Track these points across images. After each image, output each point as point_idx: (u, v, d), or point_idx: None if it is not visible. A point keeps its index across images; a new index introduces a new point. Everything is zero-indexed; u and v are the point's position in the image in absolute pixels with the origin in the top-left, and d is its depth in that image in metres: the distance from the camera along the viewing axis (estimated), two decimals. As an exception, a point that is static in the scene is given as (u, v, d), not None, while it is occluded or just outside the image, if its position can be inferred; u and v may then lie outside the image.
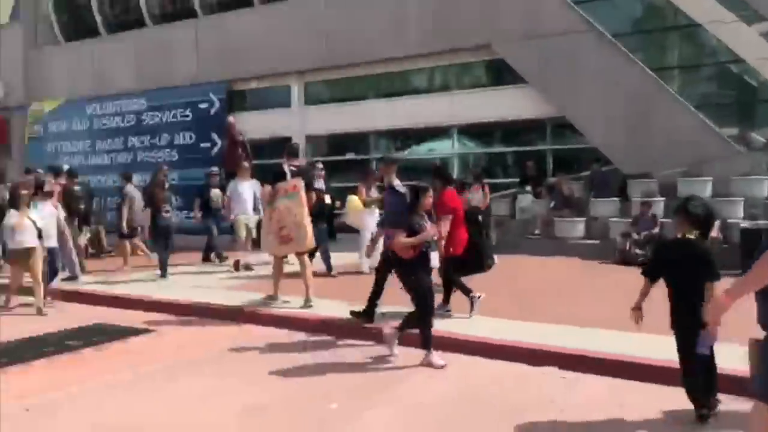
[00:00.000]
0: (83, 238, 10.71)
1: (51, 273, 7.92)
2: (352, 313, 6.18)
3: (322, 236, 8.46)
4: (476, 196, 10.15)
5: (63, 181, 10.09)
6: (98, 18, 17.29)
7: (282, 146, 8.09)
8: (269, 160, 11.37)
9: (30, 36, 17.87)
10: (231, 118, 13.36)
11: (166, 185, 9.77)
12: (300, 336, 6.14)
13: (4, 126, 17.96)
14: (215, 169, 11.42)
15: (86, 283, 8.90)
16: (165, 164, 12.21)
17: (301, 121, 14.47)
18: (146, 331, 6.51)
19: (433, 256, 5.27)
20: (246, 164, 10.15)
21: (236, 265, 9.52)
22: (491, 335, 5.52)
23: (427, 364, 4.99)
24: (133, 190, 10.20)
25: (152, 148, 15.88)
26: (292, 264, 7.53)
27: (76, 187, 10.36)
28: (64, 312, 7.50)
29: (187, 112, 15.34)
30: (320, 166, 9.93)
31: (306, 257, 7.19)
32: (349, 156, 14.40)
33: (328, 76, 14.33)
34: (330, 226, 10.10)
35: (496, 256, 6.61)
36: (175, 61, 15.46)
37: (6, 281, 7.85)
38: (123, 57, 16.32)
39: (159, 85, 15.62)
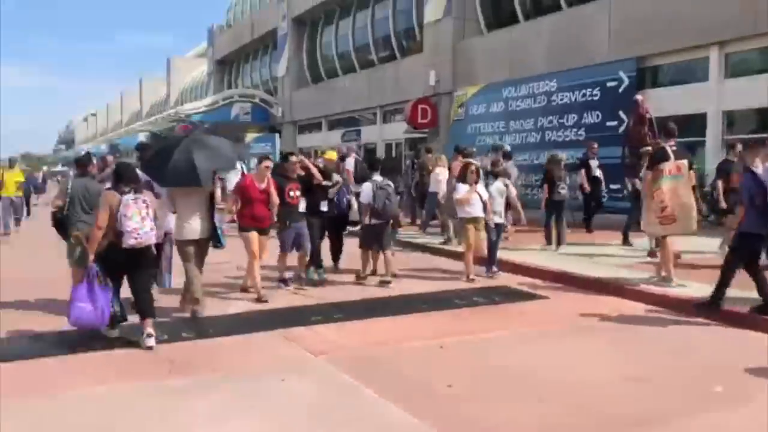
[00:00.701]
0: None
1: (490, 244, 8.86)
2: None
3: None
4: None
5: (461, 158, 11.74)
6: (517, 6, 18.70)
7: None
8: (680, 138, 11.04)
9: (458, 29, 20.28)
10: (639, 96, 13.19)
11: (563, 163, 10.49)
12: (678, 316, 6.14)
13: (434, 110, 20.86)
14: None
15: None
16: (594, 142, 13.60)
17: (718, 96, 13.46)
18: (540, 297, 7.25)
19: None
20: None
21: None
22: None
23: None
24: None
25: (560, 128, 16.65)
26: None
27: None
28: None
29: (596, 92, 15.63)
30: None
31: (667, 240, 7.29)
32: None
33: (754, 45, 12.98)
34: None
35: None
36: (586, 41, 15.86)
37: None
38: (537, 41, 17.40)
39: (569, 66, 16.24)
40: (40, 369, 5.00)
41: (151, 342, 5.48)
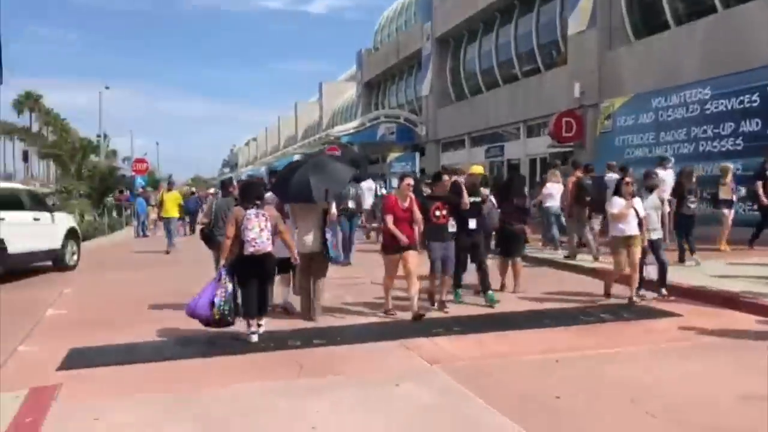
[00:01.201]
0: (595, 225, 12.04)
1: (659, 264, 8.39)
2: None
3: None
4: None
5: (579, 173, 12.07)
6: (668, 12, 17.98)
7: None
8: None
9: (604, 39, 19.83)
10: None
11: (694, 176, 10.25)
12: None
13: (580, 123, 20.48)
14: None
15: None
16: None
17: None
18: (673, 314, 7.08)
19: None
20: None
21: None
22: None
23: None
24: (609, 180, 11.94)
25: (715, 138, 15.75)
26: None
27: (588, 180, 12.05)
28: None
29: (755, 98, 14.66)
30: None
31: None
32: None
33: None
34: None
35: None
36: (744, 43, 14.95)
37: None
38: (689, 46, 16.63)
39: (725, 72, 15.37)
40: (187, 368, 5.77)
41: (254, 338, 6.50)
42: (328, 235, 7.51)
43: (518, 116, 24.75)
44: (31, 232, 11.84)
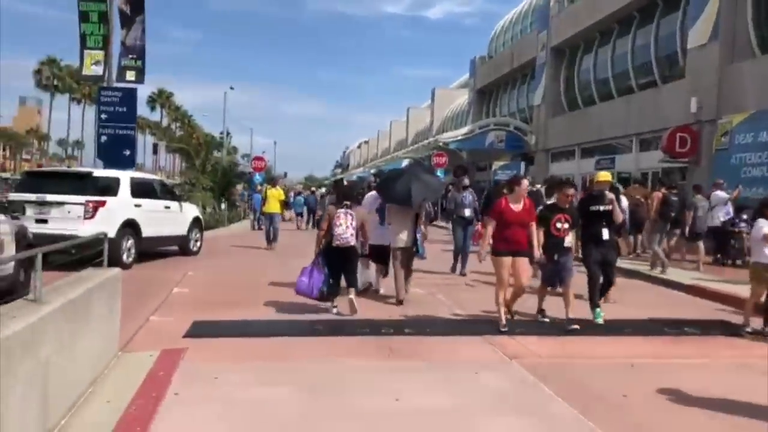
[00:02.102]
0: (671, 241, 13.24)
1: None
2: None
3: None
4: None
5: (665, 190, 12.64)
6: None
7: None
8: None
9: (726, 53, 19.24)
10: None
11: None
12: None
13: (695, 139, 19.94)
14: None
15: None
16: None
17: None
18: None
19: None
20: None
21: None
22: None
23: None
24: (699, 200, 13.12)
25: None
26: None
27: (673, 198, 12.62)
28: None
29: None
30: None
31: None
32: None
33: None
34: None
35: None
36: None
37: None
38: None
39: None
40: (291, 344, 6.57)
41: (352, 295, 7.92)
42: (418, 234, 8.82)
43: (631, 129, 24.33)
44: (162, 218, 13.22)
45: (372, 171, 51.45)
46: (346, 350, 6.32)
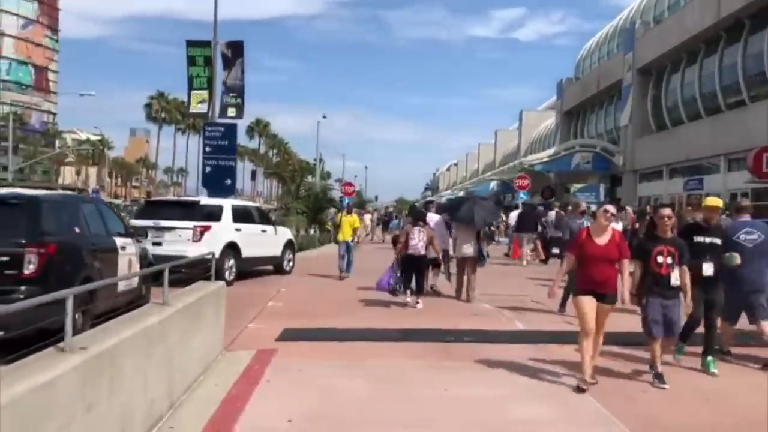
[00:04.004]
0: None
1: None
2: None
3: None
4: None
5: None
6: None
7: None
8: None
9: (814, 71, 19.08)
10: None
11: None
12: None
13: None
14: None
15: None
16: None
17: None
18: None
19: None
20: None
21: None
22: None
23: None
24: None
25: None
26: None
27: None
28: None
29: None
30: None
31: None
32: None
33: None
34: None
35: None
36: None
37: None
38: None
39: None
40: (364, 347, 7.69)
41: (420, 305, 10.49)
42: (483, 245, 11.66)
43: (719, 149, 24.22)
44: (259, 241, 14.74)
45: (460, 193, 52.38)
46: (410, 353, 7.41)
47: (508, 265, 18.19)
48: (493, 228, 16.08)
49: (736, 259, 6.72)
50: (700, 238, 6.75)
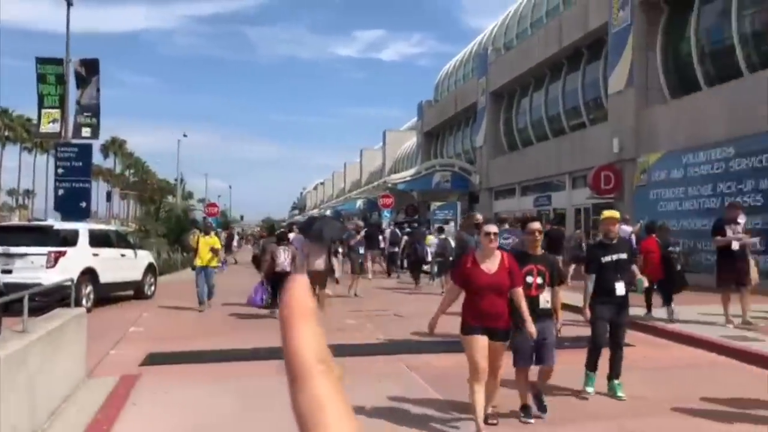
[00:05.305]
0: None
1: None
2: None
3: None
4: None
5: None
6: (699, 74, 19.49)
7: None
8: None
9: (641, 98, 21.42)
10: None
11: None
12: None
13: (618, 177, 21.96)
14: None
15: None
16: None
17: None
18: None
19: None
20: None
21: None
22: None
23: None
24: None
25: (738, 194, 17.02)
26: None
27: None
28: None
29: (772, 158, 15.97)
30: None
31: None
32: None
33: None
34: None
35: None
36: (764, 107, 16.27)
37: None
38: (716, 108, 18.04)
39: (746, 133, 16.72)
40: (222, 368, 7.87)
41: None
42: (334, 260, 12.95)
43: (564, 168, 26.39)
44: (118, 265, 14.39)
45: (328, 212, 52.97)
46: (260, 371, 7.58)
47: (369, 279, 19.16)
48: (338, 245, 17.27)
49: (644, 281, 7.17)
50: (607, 258, 6.43)
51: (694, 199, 18.64)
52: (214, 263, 13.84)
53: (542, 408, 5.76)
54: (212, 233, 14.76)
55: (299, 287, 0.35)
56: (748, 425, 5.50)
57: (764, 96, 16.27)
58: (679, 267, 11.45)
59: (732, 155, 17.37)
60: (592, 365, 6.46)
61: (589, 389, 6.41)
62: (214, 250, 13.70)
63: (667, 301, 10.95)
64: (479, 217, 12.93)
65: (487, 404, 5.39)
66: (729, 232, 10.39)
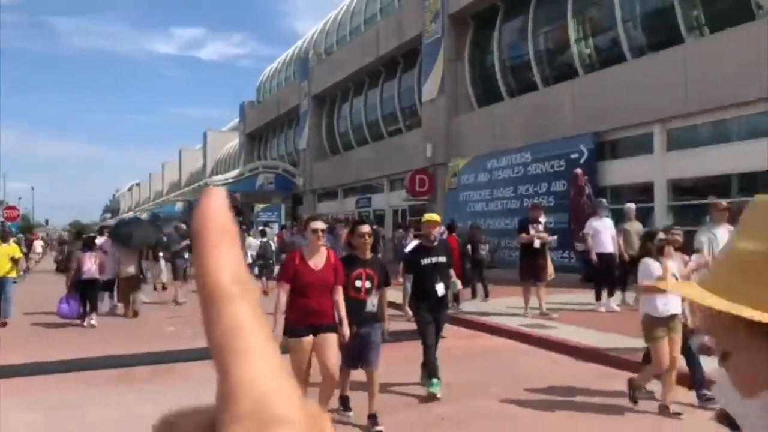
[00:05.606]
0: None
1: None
2: None
3: None
4: None
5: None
6: (501, 86, 21.25)
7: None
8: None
9: (452, 106, 22.90)
10: (578, 170, 15.38)
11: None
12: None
13: (432, 180, 23.30)
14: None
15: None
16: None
17: (662, 167, 15.47)
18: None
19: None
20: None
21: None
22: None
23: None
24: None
25: (534, 196, 18.79)
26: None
27: None
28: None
29: (562, 163, 17.83)
30: None
31: None
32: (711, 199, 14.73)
33: (689, 123, 15.02)
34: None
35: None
36: (554, 117, 18.13)
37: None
38: (516, 117, 19.80)
39: (541, 140, 18.52)
40: (33, 381, 7.44)
41: (94, 323, 11.44)
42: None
43: (383, 171, 27.45)
44: None
45: (145, 215, 50.46)
46: (92, 381, 7.40)
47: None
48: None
49: (458, 284, 7.83)
50: (426, 260, 6.67)
51: (498, 200, 20.30)
52: (13, 274, 12.42)
53: (348, 408, 5.89)
54: (11, 240, 13.30)
55: (216, 199, 0.33)
56: (542, 397, 6.26)
57: (555, 107, 18.17)
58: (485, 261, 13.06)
59: (529, 161, 19.15)
60: (433, 370, 6.53)
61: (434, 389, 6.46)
62: (14, 260, 12.20)
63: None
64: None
65: (324, 408, 4.99)
66: (532, 231, 11.56)
